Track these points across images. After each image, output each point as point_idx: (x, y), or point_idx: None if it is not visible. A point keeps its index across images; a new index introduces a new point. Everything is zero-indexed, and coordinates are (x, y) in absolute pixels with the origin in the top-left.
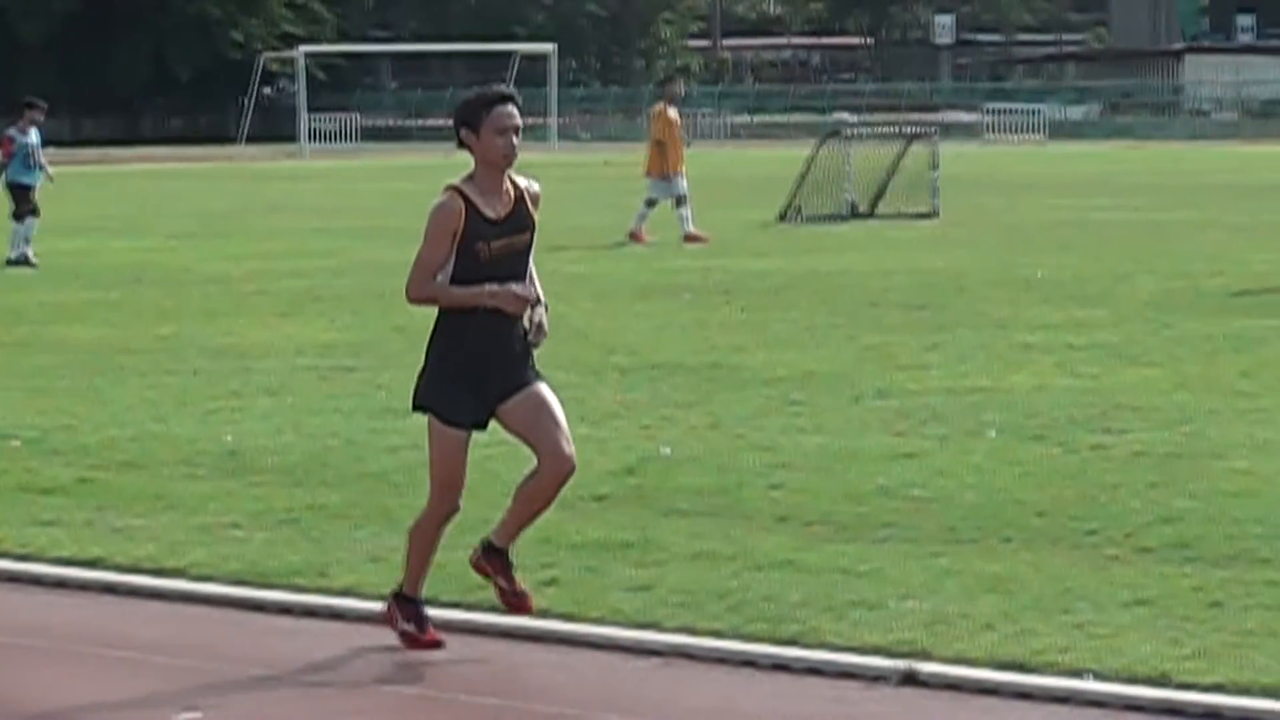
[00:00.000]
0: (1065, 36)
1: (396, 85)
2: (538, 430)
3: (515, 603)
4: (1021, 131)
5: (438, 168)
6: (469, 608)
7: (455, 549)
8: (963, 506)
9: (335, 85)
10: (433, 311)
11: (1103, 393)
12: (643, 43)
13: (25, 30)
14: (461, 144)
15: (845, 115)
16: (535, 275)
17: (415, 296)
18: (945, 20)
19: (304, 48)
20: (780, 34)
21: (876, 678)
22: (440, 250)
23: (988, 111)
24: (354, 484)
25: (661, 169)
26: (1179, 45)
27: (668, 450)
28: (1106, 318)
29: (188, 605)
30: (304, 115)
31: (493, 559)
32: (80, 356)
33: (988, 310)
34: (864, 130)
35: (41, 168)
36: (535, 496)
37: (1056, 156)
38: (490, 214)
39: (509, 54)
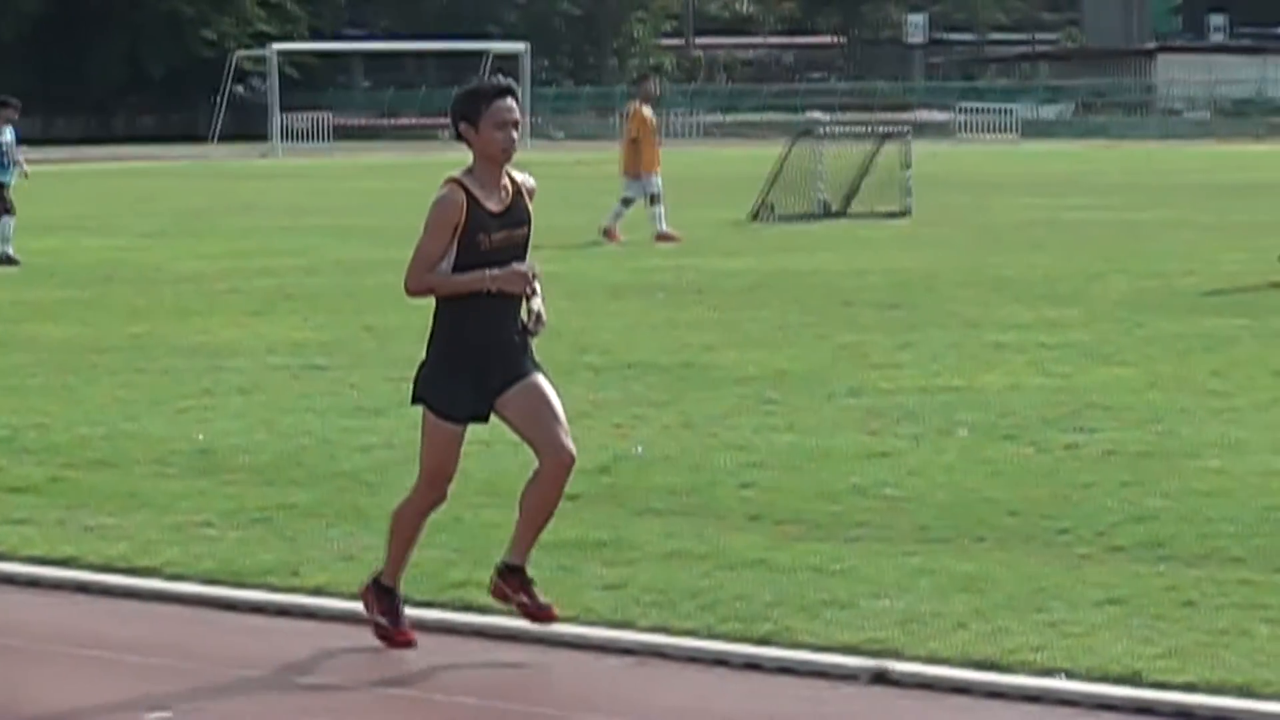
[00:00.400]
0: (1038, 36)
1: (369, 84)
2: (536, 423)
3: (543, 615)
4: (994, 131)
5: (410, 166)
6: (442, 606)
7: (429, 547)
8: (935, 505)
9: (308, 84)
10: (429, 308)
11: (1075, 392)
12: (615, 42)
13: None
14: (459, 137)
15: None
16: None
17: (414, 289)
18: (917, 19)
19: (276, 46)
20: (753, 33)
21: (849, 677)
22: (441, 243)
23: (960, 111)
24: (326, 483)
25: (636, 168)
26: (1151, 45)
27: (640, 449)
28: (1079, 317)
29: (160, 604)
30: (276, 114)
31: (510, 579)
32: (52, 355)
33: (960, 309)
34: (836, 129)
35: (16, 164)
36: (542, 500)
37: (1029, 156)
38: (491, 207)
39: (482, 53)
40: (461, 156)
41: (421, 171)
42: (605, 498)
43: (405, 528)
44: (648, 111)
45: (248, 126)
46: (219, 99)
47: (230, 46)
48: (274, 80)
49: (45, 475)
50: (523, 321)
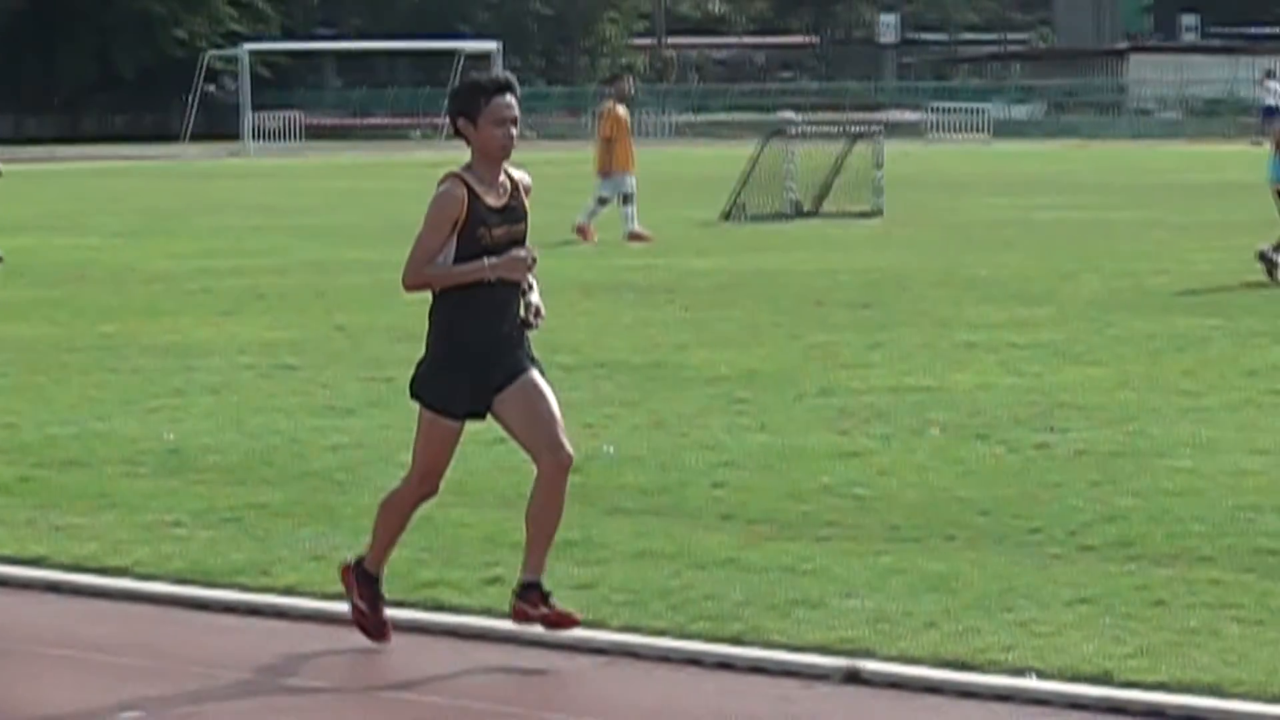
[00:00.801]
0: (1009, 36)
1: (341, 83)
2: (533, 423)
3: (565, 622)
4: (966, 130)
5: (382, 166)
6: (412, 606)
7: (399, 547)
8: (906, 505)
9: (279, 83)
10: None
11: (1046, 391)
12: (587, 41)
13: None
14: (458, 133)
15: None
16: None
17: (411, 283)
18: (889, 19)
19: (248, 45)
20: (725, 33)
21: (819, 676)
22: (440, 237)
23: (932, 110)
24: (296, 482)
25: (611, 167)
26: (1123, 44)
27: (611, 449)
28: (1050, 317)
29: (131, 604)
30: (248, 113)
31: (528, 596)
32: (22, 354)
33: (931, 309)
34: (808, 129)
35: None
36: (547, 508)
37: (1001, 155)
38: (491, 202)
39: (454, 52)
40: (429, 157)
41: (393, 171)
42: (576, 497)
43: (393, 517)
44: (622, 111)
45: (219, 126)
46: (190, 98)
47: (202, 46)
48: (245, 80)
49: (15, 475)
50: (521, 315)
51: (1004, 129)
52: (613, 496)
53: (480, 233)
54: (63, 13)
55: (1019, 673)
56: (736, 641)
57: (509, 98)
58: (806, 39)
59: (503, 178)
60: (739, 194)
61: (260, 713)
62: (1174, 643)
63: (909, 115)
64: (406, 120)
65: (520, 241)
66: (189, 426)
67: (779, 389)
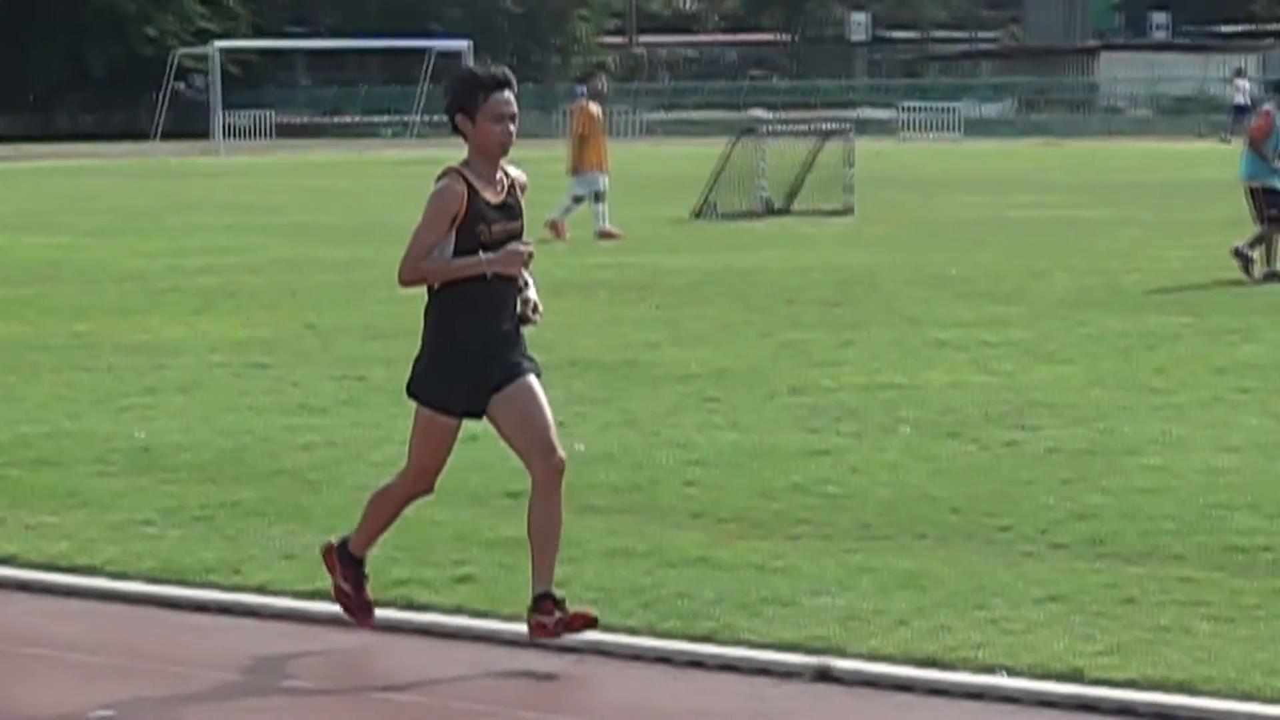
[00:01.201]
0: (980, 34)
1: (311, 82)
2: (526, 427)
3: (584, 623)
4: (937, 129)
5: (352, 164)
6: (385, 605)
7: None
8: (877, 503)
9: (250, 81)
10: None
11: (1017, 389)
12: (558, 40)
13: None
14: (456, 129)
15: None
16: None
17: (408, 278)
18: (860, 17)
19: (218, 43)
20: (696, 31)
21: (790, 674)
22: (438, 232)
23: (903, 109)
24: (267, 481)
25: (584, 164)
26: (1094, 42)
27: (582, 447)
28: (1021, 315)
29: (102, 603)
30: (218, 111)
31: (543, 605)
32: None
33: (902, 307)
34: (779, 127)
35: None
36: (547, 517)
37: (971, 154)
38: (490, 198)
39: (424, 51)
40: (399, 155)
41: (364, 169)
42: None
43: (384, 509)
44: (595, 108)
45: (190, 124)
46: (161, 96)
47: (172, 44)
48: (216, 78)
49: None
50: (519, 311)
51: (975, 127)
52: (584, 495)
53: (480, 229)
54: (34, 11)
55: (990, 670)
56: (708, 640)
57: (507, 93)
58: (778, 37)
59: (500, 174)
60: (710, 192)
61: (232, 711)
62: (1145, 640)
63: (880, 113)
64: (377, 119)
65: (517, 239)
66: (160, 425)
67: (750, 387)
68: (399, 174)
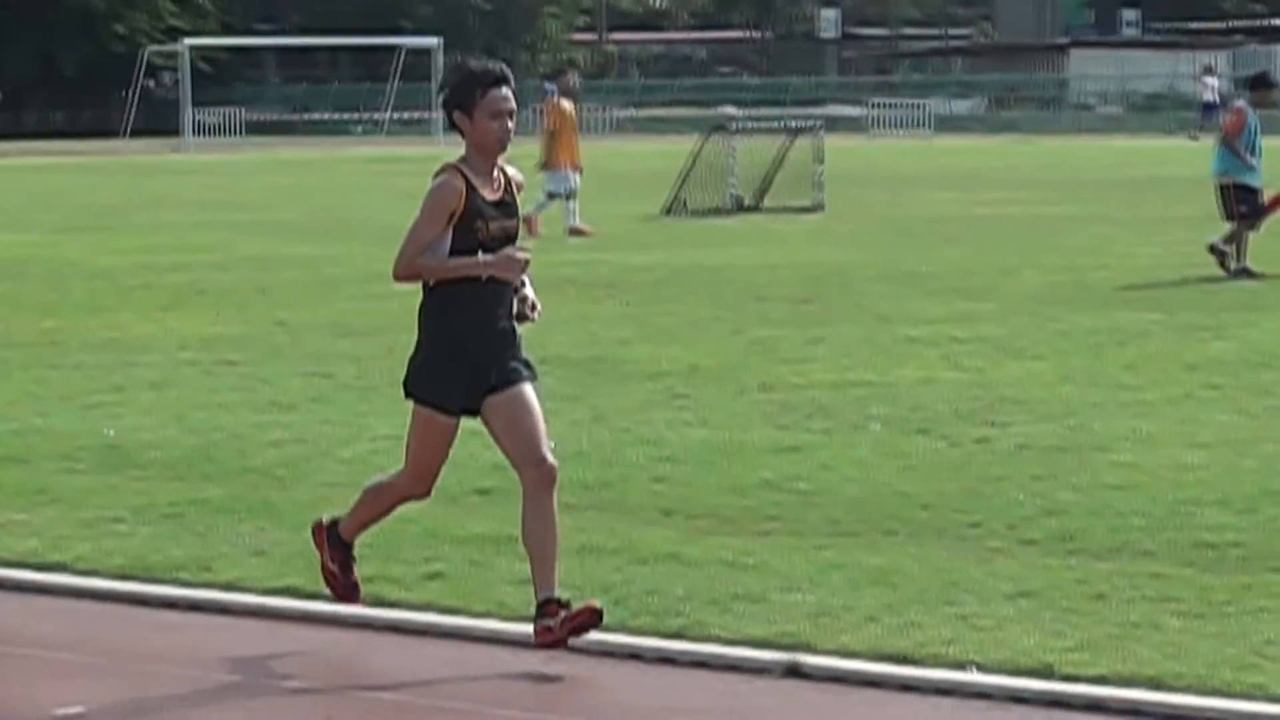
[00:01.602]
0: (950, 31)
1: (281, 79)
2: (516, 436)
3: (587, 617)
4: (907, 126)
5: (323, 161)
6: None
7: None
8: (847, 499)
9: (219, 79)
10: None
11: (987, 386)
12: (528, 37)
13: None
14: (453, 126)
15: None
16: None
17: (403, 273)
18: (830, 14)
19: (188, 41)
20: (666, 28)
21: (760, 670)
22: (436, 228)
23: (873, 106)
24: (237, 478)
25: (554, 161)
26: (1064, 39)
27: (552, 444)
28: (991, 311)
29: (71, 600)
30: (188, 109)
31: (547, 608)
32: None
33: (873, 304)
34: (749, 124)
35: None
36: (542, 525)
37: (942, 151)
38: (488, 196)
39: (394, 48)
40: (370, 152)
41: (334, 167)
42: (515, 492)
43: (377, 503)
44: (566, 105)
45: (160, 122)
46: (131, 94)
47: (142, 41)
48: (186, 75)
49: None
50: (517, 309)
51: (945, 124)
52: None
53: (477, 226)
54: (4, 8)
55: (960, 666)
56: (678, 636)
57: (505, 90)
58: (748, 34)
59: (496, 172)
60: (680, 189)
61: (201, 708)
62: (1115, 636)
63: (850, 110)
64: (347, 116)
65: (513, 237)
66: (129, 422)
67: (720, 384)
68: (369, 171)
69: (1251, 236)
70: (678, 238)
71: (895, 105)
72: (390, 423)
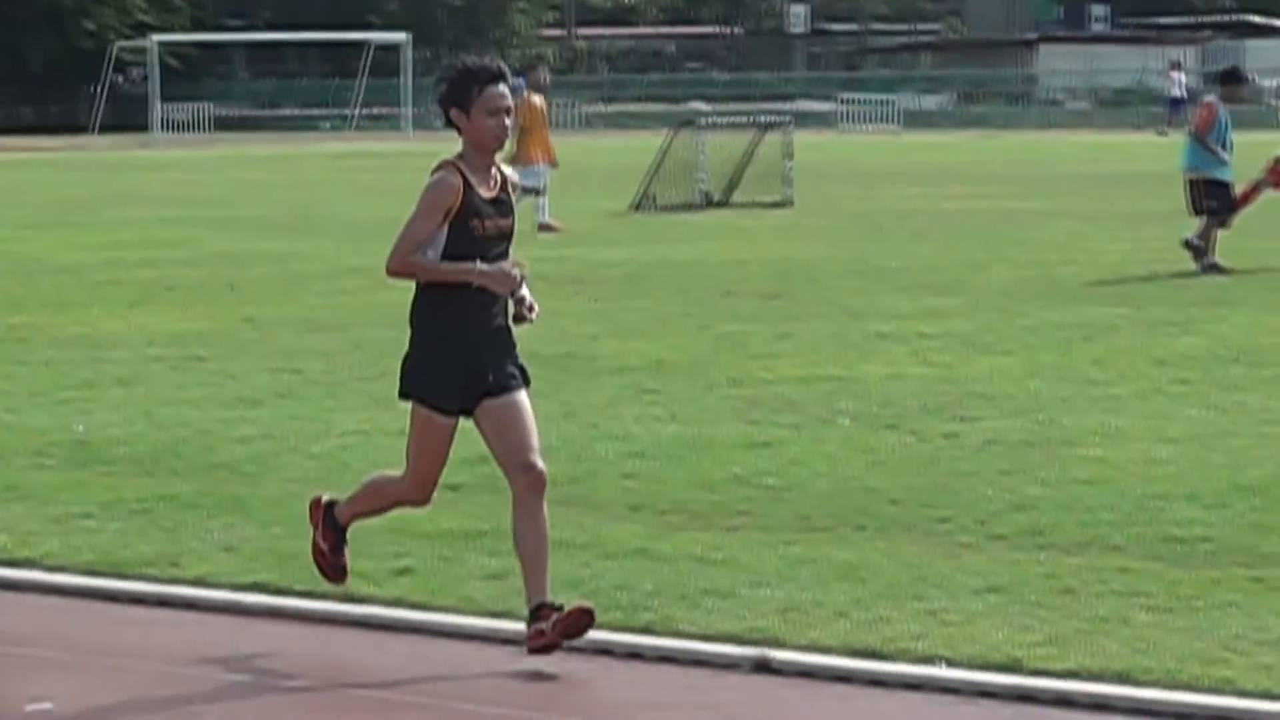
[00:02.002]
0: (919, 26)
1: (250, 75)
2: (508, 443)
3: (579, 618)
4: (876, 121)
5: (291, 157)
6: (320, 597)
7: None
8: (816, 495)
9: (188, 74)
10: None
11: (956, 381)
12: (497, 32)
13: None
14: (450, 123)
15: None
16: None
17: (396, 269)
18: (799, 10)
19: (157, 37)
20: (635, 23)
21: (730, 665)
22: (431, 225)
23: (842, 101)
24: (205, 474)
25: (526, 157)
26: (1033, 35)
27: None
28: (960, 307)
29: (40, 595)
30: (156, 105)
31: (540, 611)
32: None
33: (841, 299)
34: (718, 119)
35: None
36: (533, 531)
37: (910, 146)
38: (484, 193)
39: (363, 44)
40: (338, 148)
41: (303, 163)
42: (486, 487)
43: (376, 499)
44: (537, 100)
45: (128, 117)
46: (99, 90)
47: (110, 37)
48: (154, 71)
49: None
50: (514, 310)
51: (914, 119)
52: None
53: (474, 223)
54: None
55: (929, 661)
56: (647, 631)
57: (501, 87)
58: (717, 29)
59: (493, 170)
60: (649, 184)
61: (169, 703)
62: (1083, 631)
63: (819, 106)
64: (316, 112)
65: (509, 236)
66: (98, 418)
67: (689, 379)
68: (337, 167)
69: (1220, 234)
70: (646, 233)
71: (864, 101)
72: (358, 418)
